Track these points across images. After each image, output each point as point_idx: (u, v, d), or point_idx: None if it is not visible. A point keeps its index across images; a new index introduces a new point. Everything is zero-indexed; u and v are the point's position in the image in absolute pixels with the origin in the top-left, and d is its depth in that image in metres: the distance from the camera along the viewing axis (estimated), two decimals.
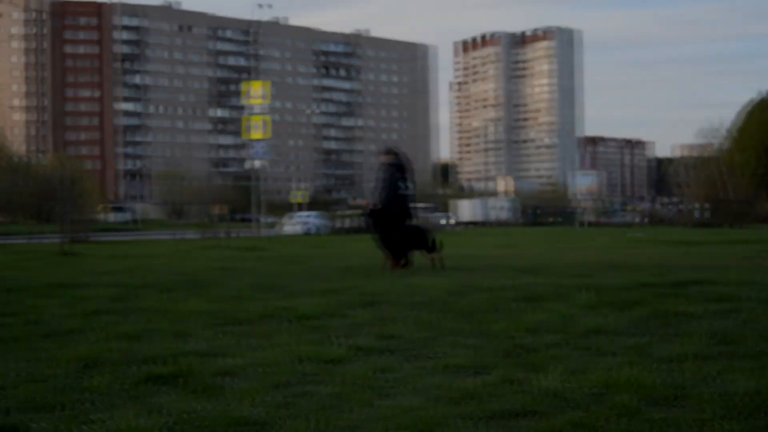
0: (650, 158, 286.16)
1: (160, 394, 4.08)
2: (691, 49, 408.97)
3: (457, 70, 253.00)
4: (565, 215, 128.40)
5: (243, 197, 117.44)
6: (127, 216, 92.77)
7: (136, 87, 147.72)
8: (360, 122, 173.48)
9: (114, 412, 3.74)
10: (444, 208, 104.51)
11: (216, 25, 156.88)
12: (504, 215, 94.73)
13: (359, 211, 60.35)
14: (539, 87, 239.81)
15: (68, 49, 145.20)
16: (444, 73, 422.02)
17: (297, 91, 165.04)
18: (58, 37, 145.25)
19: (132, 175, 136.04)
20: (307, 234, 47.17)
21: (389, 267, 12.21)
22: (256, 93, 36.93)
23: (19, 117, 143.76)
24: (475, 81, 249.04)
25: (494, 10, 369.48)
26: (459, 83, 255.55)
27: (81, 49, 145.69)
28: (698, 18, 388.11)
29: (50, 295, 8.50)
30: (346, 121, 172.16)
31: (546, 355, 4.94)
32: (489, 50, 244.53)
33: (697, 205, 78.64)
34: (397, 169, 12.69)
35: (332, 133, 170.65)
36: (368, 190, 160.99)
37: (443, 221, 62.11)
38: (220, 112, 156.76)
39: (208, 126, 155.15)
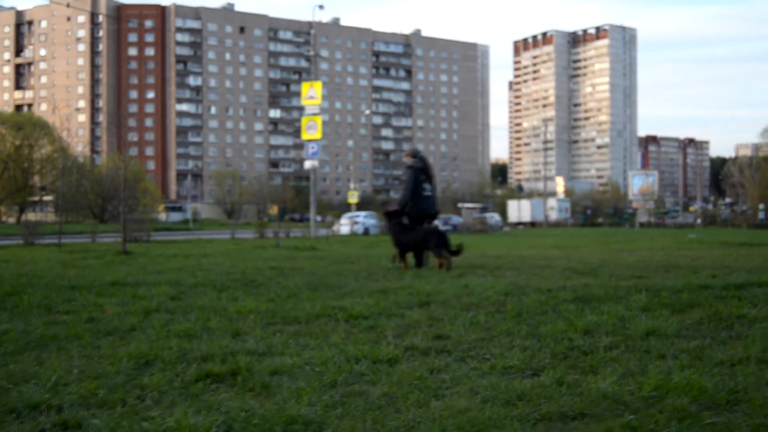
0: (710, 158, 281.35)
1: (216, 392, 4.12)
2: (749, 47, 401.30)
3: (517, 69, 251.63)
4: (619, 215, 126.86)
5: (299, 197, 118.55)
6: (185, 215, 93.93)
7: (194, 88, 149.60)
8: (415, 122, 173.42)
9: (171, 409, 3.79)
10: (500, 209, 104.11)
11: (273, 27, 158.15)
12: (555, 215, 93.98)
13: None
14: (595, 86, 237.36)
15: (130, 51, 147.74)
16: (500, 72, 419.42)
17: (354, 91, 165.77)
18: (119, 39, 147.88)
19: (188, 175, 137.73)
20: (360, 233, 47.29)
21: (402, 267, 12.38)
22: (315, 93, 37.12)
23: (83, 118, 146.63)
24: (533, 80, 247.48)
25: (551, 8, 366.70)
26: (515, 82, 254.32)
27: (141, 52, 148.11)
28: (758, 14, 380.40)
29: (109, 293, 8.63)
30: (401, 121, 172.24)
31: (601, 357, 4.88)
32: (545, 49, 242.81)
33: (761, 206, 77.16)
34: (421, 171, 12.94)
35: (387, 133, 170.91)
36: None
37: (491, 221, 61.57)
38: (275, 113, 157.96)
39: (264, 126, 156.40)
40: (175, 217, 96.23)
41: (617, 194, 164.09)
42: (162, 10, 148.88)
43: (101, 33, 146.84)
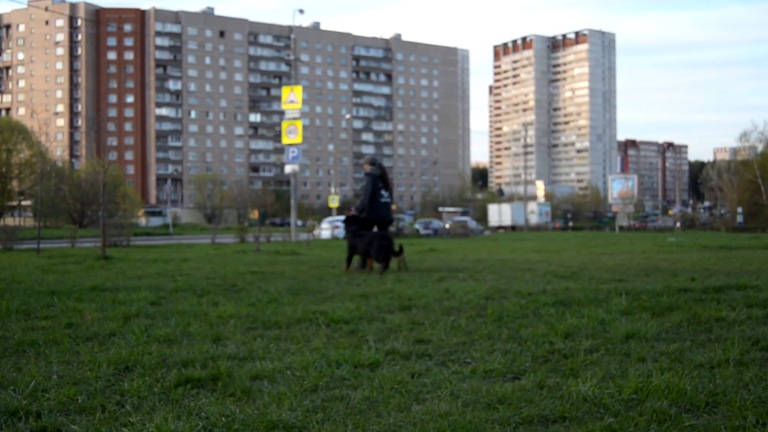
0: (688, 162, 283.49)
1: (197, 398, 4.10)
2: (727, 52, 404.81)
3: (497, 74, 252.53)
4: (599, 219, 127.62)
5: (279, 202, 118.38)
6: (165, 220, 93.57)
7: (174, 92, 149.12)
8: (395, 126, 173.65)
9: (151, 414, 3.77)
10: (481, 213, 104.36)
11: (253, 31, 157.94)
12: (535, 219, 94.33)
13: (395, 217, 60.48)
14: (575, 90, 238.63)
15: (109, 55, 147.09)
16: (480, 76, 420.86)
17: (334, 95, 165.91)
18: (98, 43, 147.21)
19: (168, 179, 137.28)
20: (341, 238, 47.26)
21: (344, 269, 12.93)
22: (296, 97, 37.09)
23: (62, 123, 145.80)
24: (513, 84, 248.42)
25: (530, 13, 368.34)
26: (495, 87, 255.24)
27: (120, 56, 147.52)
28: (735, 20, 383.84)
29: (89, 299, 8.58)
30: (381, 126, 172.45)
31: (581, 360, 4.90)
32: (525, 54, 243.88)
33: (739, 209, 77.79)
34: (379, 178, 13.49)
35: (368, 137, 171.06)
36: (398, 195, 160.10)
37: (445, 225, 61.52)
38: (256, 117, 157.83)
39: (244, 131, 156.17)
40: (155, 221, 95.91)
41: (597, 198, 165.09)
42: (141, 14, 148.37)
43: (80, 37, 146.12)
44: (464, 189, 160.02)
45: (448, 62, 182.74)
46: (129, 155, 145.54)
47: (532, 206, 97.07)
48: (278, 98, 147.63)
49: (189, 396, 4.13)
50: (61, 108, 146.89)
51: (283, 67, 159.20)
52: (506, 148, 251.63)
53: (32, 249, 24.08)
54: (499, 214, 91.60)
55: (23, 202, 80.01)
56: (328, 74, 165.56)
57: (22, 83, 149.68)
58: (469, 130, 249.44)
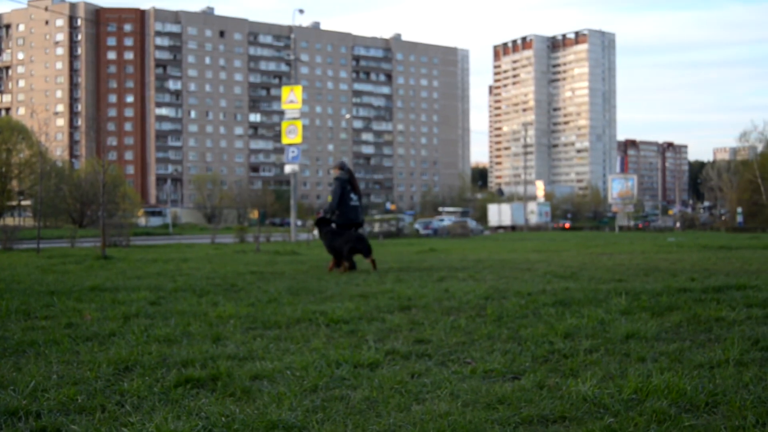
0: (689, 162, 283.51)
1: (196, 398, 4.10)
2: (727, 52, 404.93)
3: (497, 74, 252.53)
4: (598, 219, 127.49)
5: (279, 201, 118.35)
6: (165, 220, 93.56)
7: (174, 92, 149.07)
8: (395, 126, 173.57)
9: (151, 414, 3.77)
10: (481, 213, 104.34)
11: (253, 31, 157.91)
12: (535, 219, 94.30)
13: (391, 216, 60.40)
14: (575, 90, 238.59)
15: (109, 55, 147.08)
16: (480, 76, 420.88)
17: (334, 95, 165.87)
18: (98, 43, 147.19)
19: (168, 179, 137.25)
20: None
21: (330, 269, 13.07)
22: (295, 97, 37.09)
23: (62, 123, 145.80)
24: (513, 84, 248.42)
25: (530, 13, 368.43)
26: (495, 87, 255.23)
27: (120, 55, 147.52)
28: (735, 20, 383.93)
29: (89, 299, 8.58)
30: (381, 126, 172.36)
31: (581, 360, 4.90)
32: (525, 54, 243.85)
33: (738, 209, 77.79)
34: (347, 182, 13.67)
35: (368, 137, 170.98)
36: (398, 195, 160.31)
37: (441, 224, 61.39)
38: (255, 117, 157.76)
39: (244, 131, 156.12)
40: (155, 221, 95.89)
41: (597, 198, 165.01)
42: (141, 14, 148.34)
43: (80, 37, 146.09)
44: (464, 189, 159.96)
45: (448, 62, 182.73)
46: (129, 155, 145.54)
47: (531, 206, 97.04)
48: (278, 98, 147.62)
49: (189, 396, 4.13)
50: (60, 108, 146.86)
51: (283, 67, 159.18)
52: (506, 148, 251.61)
53: (32, 249, 24.08)
54: (499, 214, 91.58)
55: (23, 202, 80.00)
56: (328, 74, 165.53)
57: (22, 83, 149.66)
58: (469, 130, 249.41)
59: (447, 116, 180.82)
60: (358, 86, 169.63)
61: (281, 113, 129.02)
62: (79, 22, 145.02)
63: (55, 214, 70.37)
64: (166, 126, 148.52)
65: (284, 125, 37.67)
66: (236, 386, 4.27)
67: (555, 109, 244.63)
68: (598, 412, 3.75)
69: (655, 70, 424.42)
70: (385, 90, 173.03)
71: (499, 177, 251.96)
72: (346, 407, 3.88)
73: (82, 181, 72.86)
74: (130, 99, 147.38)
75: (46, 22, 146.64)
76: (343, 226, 13.51)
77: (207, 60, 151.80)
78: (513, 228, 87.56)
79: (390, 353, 5.20)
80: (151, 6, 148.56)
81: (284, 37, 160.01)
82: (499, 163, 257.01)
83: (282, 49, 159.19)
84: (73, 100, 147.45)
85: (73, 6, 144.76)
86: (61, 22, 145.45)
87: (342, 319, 6.65)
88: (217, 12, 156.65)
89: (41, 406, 3.90)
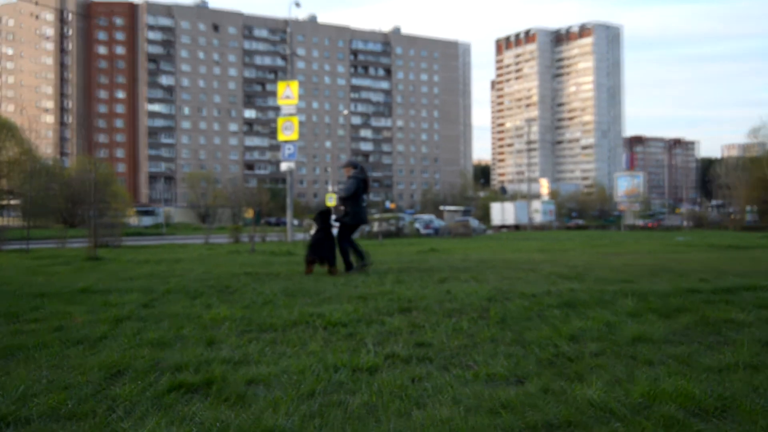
0: (697, 159, 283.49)
1: (190, 403, 4.09)
2: (737, 46, 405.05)
3: (499, 68, 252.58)
4: (605, 218, 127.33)
5: (275, 200, 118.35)
6: (157, 219, 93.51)
7: (166, 88, 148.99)
8: (394, 122, 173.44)
9: (143, 421, 3.76)
10: (484, 211, 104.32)
11: (248, 24, 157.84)
12: (539, 218, 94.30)
13: (391, 215, 60.33)
14: (579, 85, 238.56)
15: (99, 50, 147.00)
16: (482, 71, 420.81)
17: (331, 90, 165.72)
18: (88, 38, 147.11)
19: (160, 177, 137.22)
20: None
21: (307, 271, 12.84)
22: (291, 93, 37.07)
23: (51, 119, 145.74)
24: (516, 79, 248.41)
25: (533, 6, 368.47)
26: (498, 82, 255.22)
27: (111, 50, 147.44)
28: (745, 13, 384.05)
29: (79, 301, 8.57)
30: (380, 122, 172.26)
31: (588, 364, 4.89)
32: (528, 48, 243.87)
33: (748, 208, 77.75)
34: (363, 182, 13.51)
35: (366, 134, 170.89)
36: (397, 193, 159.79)
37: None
38: (250, 113, 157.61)
39: (239, 127, 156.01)
40: (147, 221, 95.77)
41: (603, 196, 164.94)
42: (133, 8, 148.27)
43: (70, 31, 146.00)
44: (466, 187, 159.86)
45: (449, 56, 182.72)
46: (120, 153, 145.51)
47: (536, 204, 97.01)
48: (274, 94, 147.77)
49: (182, 401, 4.13)
50: (50, 104, 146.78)
51: (279, 62, 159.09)
52: (509, 145, 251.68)
53: (21, 249, 24.06)
54: (502, 213, 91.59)
55: (11, 202, 79.92)
56: (325, 69, 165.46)
57: (10, 79, 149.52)
58: (471, 126, 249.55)
59: (448, 112, 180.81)
60: (356, 81, 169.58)
61: (277, 109, 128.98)
62: (69, 16, 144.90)
63: (45, 213, 70.25)
64: (159, 122, 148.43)
65: (280, 121, 37.63)
66: (231, 391, 4.26)
67: (559, 105, 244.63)
68: (604, 417, 3.74)
69: (663, 64, 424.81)
70: (384, 85, 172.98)
71: (502, 174, 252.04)
72: (344, 413, 3.87)
73: (72, 180, 72.84)
74: (121, 95, 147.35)
75: (36, 17, 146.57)
76: (352, 228, 13.42)
77: (200, 55, 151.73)
78: (517, 227, 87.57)
79: (390, 357, 5.20)
80: None
81: (280, 30, 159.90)
82: (502, 160, 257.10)
83: (278, 44, 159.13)
84: (62, 96, 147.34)
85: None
86: (50, 16, 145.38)
87: (340, 322, 6.65)
88: (211, 5, 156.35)
89: (30, 412, 3.89)
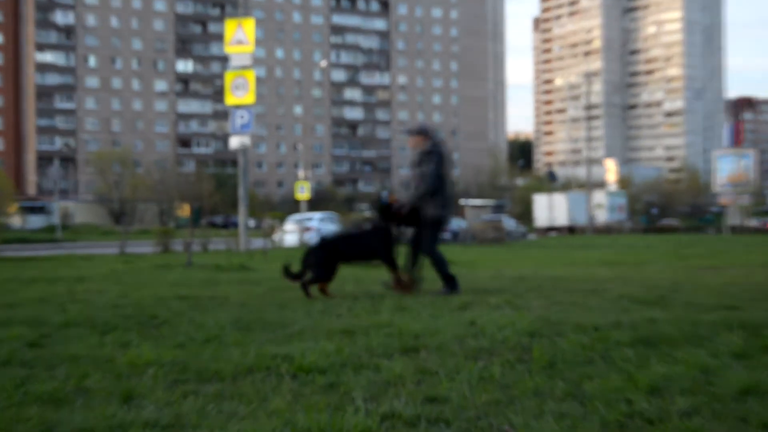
0: None
1: None
2: None
3: (545, 0, 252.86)
4: (699, 216, 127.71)
5: (222, 192, 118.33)
6: (51, 219, 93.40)
7: (63, 29, 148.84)
8: (394, 79, 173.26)
9: None
10: (523, 207, 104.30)
11: None
12: (604, 217, 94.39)
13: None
14: (662, 25, 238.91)
15: None
16: (521, 5, 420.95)
17: (303, 33, 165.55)
18: None
19: (54, 159, 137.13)
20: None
21: (393, 287, 13.10)
22: (245, 36, 37.04)
23: None
24: (570, 15, 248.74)
25: None
26: (544, 20, 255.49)
27: None
28: None
29: None
30: (374, 78, 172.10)
31: (675, 427, 4.89)
32: None
33: None
34: (442, 158, 13.34)
35: (354, 95, 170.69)
36: (399, 180, 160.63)
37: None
38: (185, 66, 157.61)
39: (169, 86, 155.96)
40: (36, 221, 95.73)
41: (696, 184, 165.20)
42: None
43: None
44: (497, 171, 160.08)
45: None
46: None
47: (599, 197, 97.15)
48: (219, 37, 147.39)
49: None
50: None
51: None
52: (560, 111, 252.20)
53: None
54: (550, 209, 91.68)
55: None
56: (294, 1, 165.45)
57: None
58: (505, 85, 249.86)
59: (471, 63, 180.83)
60: (338, 19, 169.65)
61: (224, 60, 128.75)
62: None
63: None
64: (52, 79, 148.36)
65: (228, 78, 37.64)
66: None
67: (632, 53, 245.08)
68: None
69: None
70: (380, 24, 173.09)
71: (549, 153, 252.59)
72: None
73: None
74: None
75: None
76: (440, 225, 13.41)
77: None
78: (571, 229, 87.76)
79: (388, 418, 5.19)
80: None
81: None
82: (549, 134, 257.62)
83: None
84: None
85: None
86: None
87: (316, 368, 6.64)
88: None
89: None
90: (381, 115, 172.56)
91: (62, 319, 9.92)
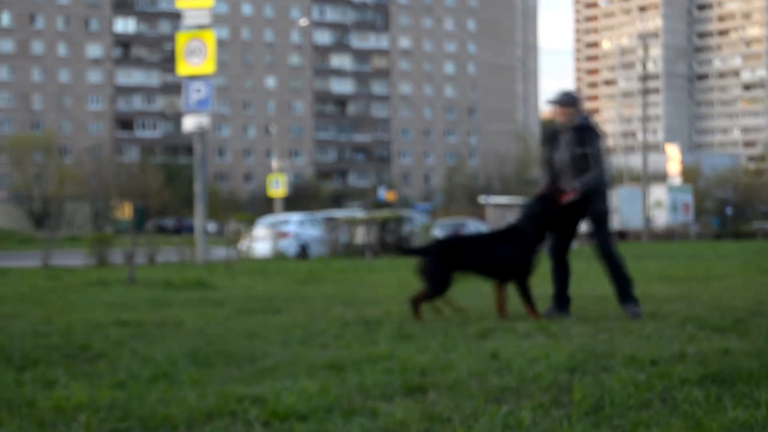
0: None
1: None
2: None
3: None
4: None
5: (173, 187, 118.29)
6: None
7: None
8: (394, 41, 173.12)
9: None
10: None
11: None
12: (663, 218, 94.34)
13: (389, 214, 60.16)
14: None
15: None
16: None
17: None
18: None
19: None
20: (291, 254, 47.19)
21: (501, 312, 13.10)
22: None
23: None
24: None
25: None
26: None
27: None
28: None
29: None
30: (368, 40, 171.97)
31: None
32: None
33: None
34: (603, 137, 13.80)
35: (342, 62, 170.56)
36: (400, 172, 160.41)
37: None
38: (126, 25, 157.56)
39: (105, 51, 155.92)
40: None
41: None
42: None
43: None
44: (526, 161, 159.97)
45: None
46: None
47: (658, 193, 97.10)
48: None
49: None
50: None
51: None
52: (608, 83, 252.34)
53: None
54: None
55: None
56: None
57: None
58: (537, 50, 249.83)
59: (494, 22, 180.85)
60: None
61: (175, 17, 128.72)
62: None
63: None
64: None
65: (181, 40, 37.67)
66: None
67: (701, 8, 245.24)
68: None
69: None
70: None
71: None
72: None
73: None
74: None
75: None
76: (604, 220, 13.68)
77: None
78: (622, 234, 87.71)
79: None
80: None
81: None
82: (594, 111, 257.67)
83: None
84: None
85: None
86: None
87: (294, 413, 6.64)
88: None
89: None
90: (377, 88, 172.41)
91: None
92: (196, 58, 37.05)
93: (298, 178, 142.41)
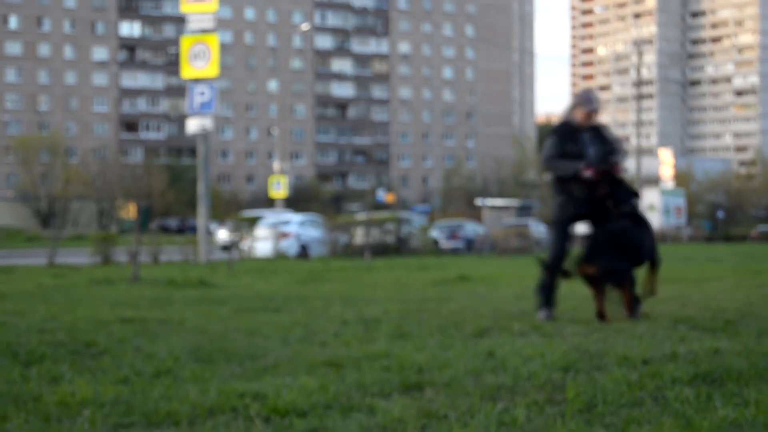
0: None
1: None
2: None
3: None
4: None
5: (177, 188, 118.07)
6: None
7: None
8: (394, 46, 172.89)
9: None
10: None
11: None
12: (657, 221, 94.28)
13: (388, 216, 60.05)
14: None
15: None
16: None
17: None
18: None
19: None
20: (292, 254, 47.10)
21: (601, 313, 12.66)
22: None
23: None
24: None
25: None
26: None
27: None
28: None
29: None
30: (368, 45, 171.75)
31: None
32: None
33: None
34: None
35: (343, 67, 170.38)
36: (399, 175, 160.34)
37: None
38: (131, 29, 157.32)
39: (110, 54, 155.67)
40: None
41: None
42: None
43: None
44: (523, 164, 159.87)
45: None
46: None
47: (651, 196, 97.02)
48: None
49: None
50: None
51: None
52: (602, 88, 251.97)
53: None
54: None
55: None
56: None
57: None
58: (533, 54, 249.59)
59: (492, 28, 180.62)
60: None
61: (180, 21, 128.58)
62: None
63: None
64: None
65: (186, 44, 37.67)
66: None
67: (695, 15, 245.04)
68: None
69: None
70: None
71: None
72: None
73: None
74: None
75: None
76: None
77: None
78: None
79: None
80: None
81: None
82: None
83: None
84: None
85: None
86: None
87: (294, 409, 6.63)
88: None
89: None
90: (377, 92, 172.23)
91: None
92: (200, 62, 37.05)
93: (299, 180, 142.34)
